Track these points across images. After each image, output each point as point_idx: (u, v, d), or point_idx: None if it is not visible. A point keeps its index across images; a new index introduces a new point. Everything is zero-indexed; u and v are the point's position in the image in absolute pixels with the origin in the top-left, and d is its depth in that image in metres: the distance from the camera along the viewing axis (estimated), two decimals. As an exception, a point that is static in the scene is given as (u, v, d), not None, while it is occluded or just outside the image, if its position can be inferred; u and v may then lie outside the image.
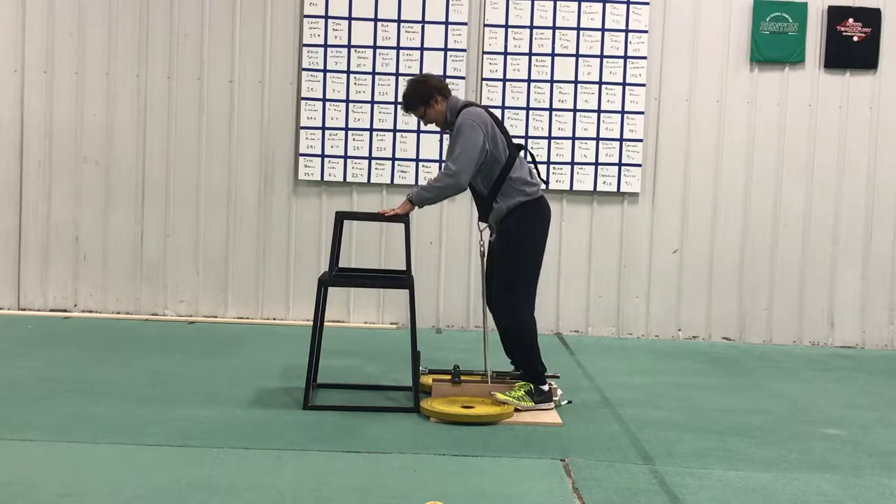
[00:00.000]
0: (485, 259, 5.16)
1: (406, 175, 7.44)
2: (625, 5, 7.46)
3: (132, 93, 7.54)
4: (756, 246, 7.61)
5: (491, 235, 5.11)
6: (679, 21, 7.54)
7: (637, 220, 7.60)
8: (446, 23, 7.45)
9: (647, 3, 7.47)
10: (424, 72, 7.16)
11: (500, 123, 5.08)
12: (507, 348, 5.18)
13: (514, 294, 4.97)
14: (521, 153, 5.12)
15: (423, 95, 5.06)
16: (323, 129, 7.48)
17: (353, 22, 7.46)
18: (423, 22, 7.45)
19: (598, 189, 7.53)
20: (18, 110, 7.54)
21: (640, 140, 7.51)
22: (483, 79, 7.45)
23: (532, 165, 5.16)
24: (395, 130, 7.48)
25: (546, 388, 5.01)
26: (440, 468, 4.00)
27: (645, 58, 7.49)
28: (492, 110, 5.39)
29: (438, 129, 5.27)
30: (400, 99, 5.25)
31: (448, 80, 6.69)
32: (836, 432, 4.87)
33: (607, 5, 7.46)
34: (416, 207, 5.07)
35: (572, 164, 7.50)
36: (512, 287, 4.97)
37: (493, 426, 4.69)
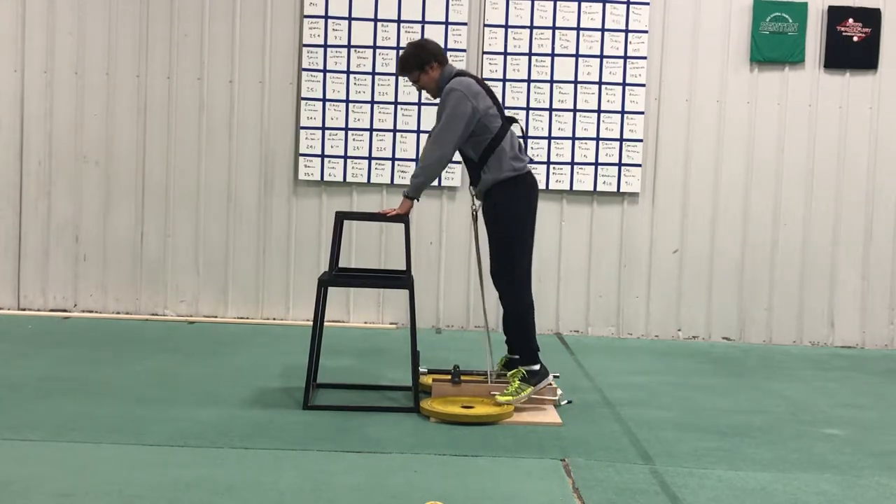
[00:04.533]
0: (477, 225, 5.17)
1: (406, 175, 7.44)
2: (625, 5, 7.46)
3: (132, 93, 7.54)
4: (756, 246, 7.61)
5: (480, 205, 5.13)
6: (679, 21, 7.53)
7: (637, 220, 7.60)
8: (446, 23, 7.45)
9: (647, 3, 7.46)
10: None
11: (491, 94, 5.08)
12: (505, 327, 5.19)
13: (508, 271, 4.99)
14: (514, 127, 5.12)
15: (421, 60, 5.07)
16: (323, 129, 7.48)
17: (353, 22, 7.46)
18: (423, 22, 7.45)
19: (598, 189, 7.53)
20: (18, 110, 7.54)
21: (640, 140, 7.51)
22: (483, 79, 7.44)
23: (521, 140, 5.16)
24: (395, 130, 7.48)
25: (537, 367, 5.00)
26: (440, 468, 4.00)
27: (645, 58, 7.49)
28: (484, 80, 5.36)
29: (430, 95, 5.25)
30: (398, 63, 5.21)
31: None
32: (836, 432, 4.87)
33: (607, 5, 7.46)
34: (416, 201, 5.08)
35: (572, 164, 7.50)
36: (504, 264, 4.99)
37: (493, 426, 4.69)
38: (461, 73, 5.11)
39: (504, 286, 5.02)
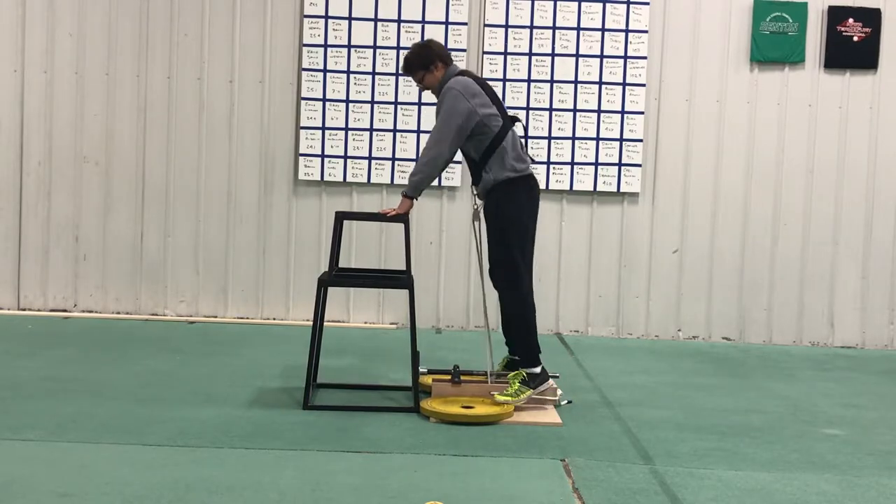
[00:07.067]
0: (479, 224, 5.17)
1: (406, 175, 7.44)
2: (625, 5, 7.46)
3: (132, 93, 7.54)
4: (756, 246, 7.61)
5: (482, 204, 5.12)
6: (679, 21, 7.54)
7: (637, 220, 7.60)
8: (446, 23, 7.45)
9: (647, 3, 7.46)
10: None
11: (492, 94, 5.07)
12: (505, 328, 5.18)
13: (507, 271, 4.99)
14: (516, 127, 5.12)
15: (425, 60, 5.08)
16: (323, 129, 7.48)
17: (353, 22, 7.46)
18: (423, 22, 7.45)
19: (598, 189, 7.53)
20: (18, 110, 7.54)
21: (640, 140, 7.51)
22: (484, 79, 7.43)
23: (523, 141, 5.16)
24: (395, 130, 7.48)
25: (538, 370, 4.99)
26: (440, 468, 4.00)
27: (645, 58, 7.49)
28: (486, 80, 5.36)
29: (434, 95, 5.24)
30: (402, 63, 5.22)
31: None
32: (836, 432, 4.87)
33: (607, 5, 7.46)
34: (415, 200, 5.08)
35: (572, 164, 7.50)
36: (503, 264, 4.99)
37: (493, 426, 4.69)
38: (463, 73, 5.11)
39: (504, 287, 5.02)
